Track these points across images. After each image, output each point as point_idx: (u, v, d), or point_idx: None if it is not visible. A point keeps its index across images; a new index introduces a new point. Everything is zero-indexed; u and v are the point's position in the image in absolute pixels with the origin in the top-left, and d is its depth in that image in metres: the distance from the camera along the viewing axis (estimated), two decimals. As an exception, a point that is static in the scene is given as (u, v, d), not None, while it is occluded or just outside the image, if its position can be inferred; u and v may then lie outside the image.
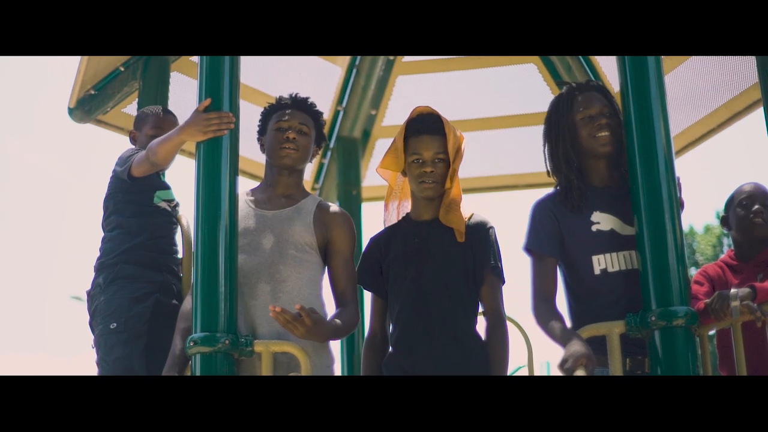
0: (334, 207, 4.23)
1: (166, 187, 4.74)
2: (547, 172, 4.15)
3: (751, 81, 5.76)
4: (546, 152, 4.14)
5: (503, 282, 4.01)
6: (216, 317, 3.63)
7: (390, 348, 4.00)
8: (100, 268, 4.53)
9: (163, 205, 4.67)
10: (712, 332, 3.75)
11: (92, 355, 4.45)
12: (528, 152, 7.30)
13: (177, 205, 4.77)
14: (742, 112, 6.14)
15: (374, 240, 4.20)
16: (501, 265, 3.99)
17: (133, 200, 4.61)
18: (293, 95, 4.25)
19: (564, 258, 3.93)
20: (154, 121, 4.85)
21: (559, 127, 4.05)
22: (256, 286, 3.95)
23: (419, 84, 7.19)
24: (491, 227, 4.05)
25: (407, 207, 4.28)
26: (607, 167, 3.99)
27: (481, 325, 3.96)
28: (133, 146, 4.82)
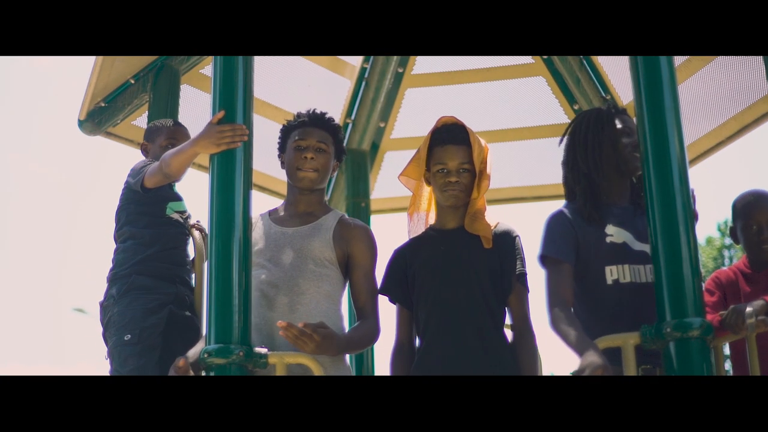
0: (354, 221, 4.25)
1: (179, 199, 4.75)
2: (565, 180, 4.18)
3: (761, 93, 5.77)
4: (568, 162, 4.18)
5: (528, 290, 4.04)
6: (230, 329, 3.62)
7: (418, 357, 4.00)
8: (113, 279, 4.53)
9: (176, 216, 4.68)
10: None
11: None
12: (537, 165, 7.32)
13: (189, 216, 4.77)
14: (751, 125, 6.15)
15: (399, 251, 4.20)
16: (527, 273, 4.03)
17: (146, 211, 4.61)
18: (311, 111, 4.23)
19: (577, 268, 3.93)
20: (168, 133, 4.86)
21: (596, 140, 4.08)
22: (275, 299, 3.97)
23: (428, 97, 7.19)
24: (517, 235, 4.09)
25: (432, 218, 4.28)
26: (629, 186, 4.07)
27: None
28: (145, 158, 4.82)
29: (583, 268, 3.92)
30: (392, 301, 4.15)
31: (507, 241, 4.04)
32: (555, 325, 3.78)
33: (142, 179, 4.52)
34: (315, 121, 4.21)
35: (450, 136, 4.07)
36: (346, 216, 4.26)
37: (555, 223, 4.00)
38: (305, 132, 4.17)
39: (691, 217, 3.61)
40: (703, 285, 3.99)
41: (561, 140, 4.29)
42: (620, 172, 4.04)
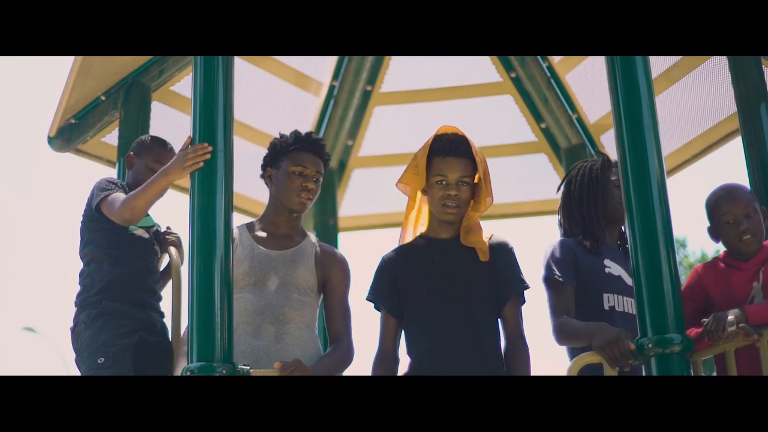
0: (332, 249, 4.34)
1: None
2: (560, 224, 4.38)
3: (728, 112, 5.85)
4: (564, 209, 4.37)
5: (525, 302, 4.05)
6: (212, 347, 3.61)
7: (412, 366, 3.96)
8: (82, 304, 4.43)
9: (140, 232, 4.55)
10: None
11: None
12: (504, 183, 7.35)
13: (158, 230, 4.67)
14: (716, 144, 6.24)
15: (388, 259, 4.12)
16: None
17: (108, 228, 4.46)
18: (310, 136, 4.26)
19: (578, 292, 4.07)
20: (159, 155, 4.64)
21: (590, 191, 4.29)
22: (261, 327, 4.02)
23: (396, 115, 7.22)
24: (512, 247, 4.07)
25: (421, 229, 4.23)
26: (618, 232, 4.32)
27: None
28: (112, 184, 4.54)
29: (582, 295, 4.07)
30: (379, 308, 4.10)
31: (503, 253, 4.02)
32: (561, 330, 3.90)
33: (99, 202, 4.41)
34: (317, 149, 4.24)
35: (452, 148, 3.97)
36: (321, 242, 4.34)
37: (560, 250, 4.14)
38: (307, 160, 4.19)
39: (671, 233, 3.64)
40: None
41: (558, 188, 4.48)
42: (611, 220, 4.25)
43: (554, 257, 4.12)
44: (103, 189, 4.47)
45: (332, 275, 4.21)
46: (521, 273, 4.04)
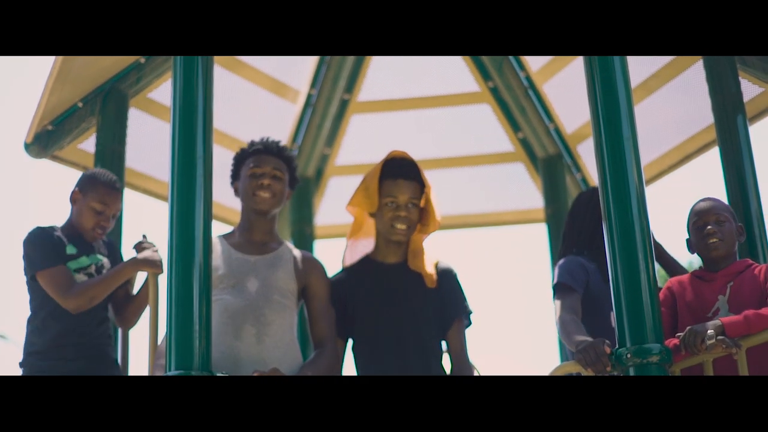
0: (310, 254, 4.39)
1: (77, 255, 4.39)
2: (567, 238, 4.45)
3: (704, 123, 5.88)
4: (566, 233, 4.46)
5: (470, 324, 4.17)
6: (191, 355, 3.59)
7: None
8: (21, 364, 4.30)
9: (80, 278, 4.33)
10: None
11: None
12: (481, 192, 7.37)
13: (101, 266, 4.45)
14: (693, 154, 6.27)
15: (337, 281, 4.23)
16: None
17: (41, 293, 4.28)
18: (265, 140, 4.30)
19: (586, 305, 4.15)
20: (104, 196, 4.44)
21: (588, 218, 4.39)
22: (242, 328, 4.01)
23: (373, 123, 7.21)
24: (456, 273, 4.23)
25: (365, 246, 4.30)
26: None
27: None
28: (47, 241, 4.35)
29: (591, 309, 4.15)
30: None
31: (449, 280, 4.19)
32: (561, 327, 3.95)
33: (35, 274, 4.25)
34: (270, 149, 4.29)
35: (402, 171, 4.15)
36: (297, 249, 4.38)
37: (570, 261, 4.25)
38: (260, 160, 4.24)
39: (650, 243, 3.65)
40: None
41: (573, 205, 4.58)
42: None
43: (566, 267, 4.22)
44: (39, 251, 4.30)
45: (312, 280, 4.24)
46: (465, 299, 4.20)
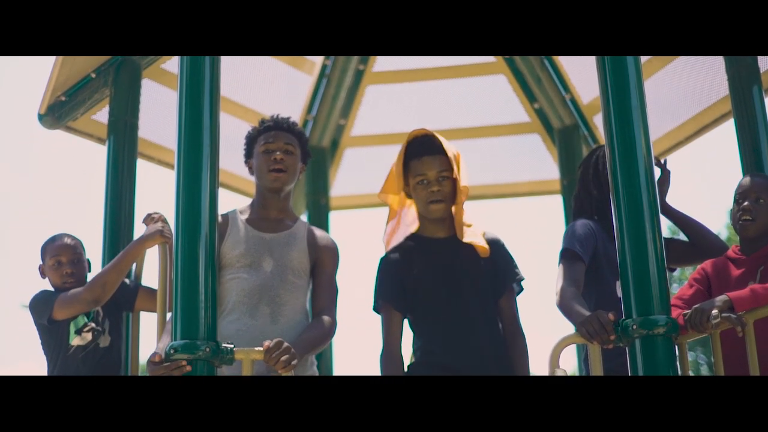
0: (323, 232, 4.45)
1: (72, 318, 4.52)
2: (576, 198, 4.47)
3: (720, 95, 5.83)
4: (581, 190, 4.46)
5: (521, 290, 4.26)
6: (196, 325, 3.60)
7: (421, 359, 4.08)
8: None
9: (77, 341, 4.46)
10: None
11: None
12: (497, 163, 7.36)
13: (100, 331, 4.53)
14: (709, 126, 6.22)
15: (392, 258, 4.26)
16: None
17: (51, 343, 4.44)
18: (276, 117, 4.37)
19: (591, 273, 4.15)
20: (52, 252, 4.65)
21: (600, 177, 4.37)
22: (257, 307, 4.11)
23: (388, 94, 7.22)
24: (504, 242, 4.29)
25: (405, 231, 4.34)
26: None
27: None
28: (48, 292, 4.58)
29: (596, 279, 4.16)
30: (379, 310, 4.21)
31: (499, 249, 4.23)
32: (561, 297, 3.94)
33: (51, 312, 4.38)
34: (280, 125, 4.35)
35: (424, 148, 4.16)
36: (312, 226, 4.44)
37: (581, 227, 4.24)
38: (271, 135, 4.31)
39: (657, 215, 3.63)
40: None
41: (579, 167, 4.56)
42: None
43: (576, 233, 4.20)
44: (44, 302, 4.48)
45: (322, 256, 4.30)
46: (517, 266, 4.25)
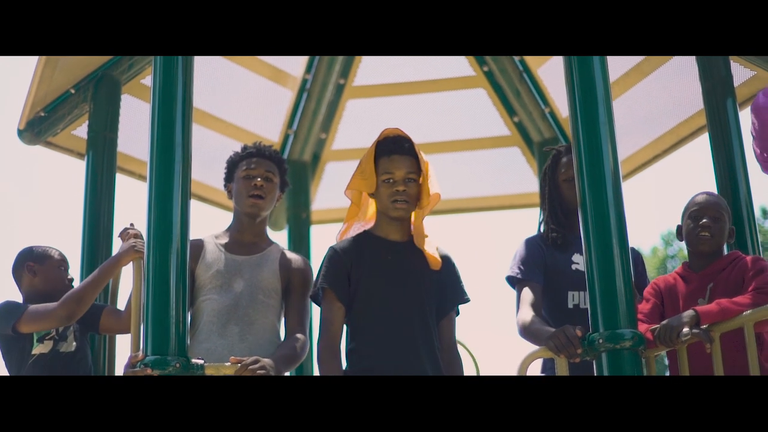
0: (297, 255, 4.51)
1: None
2: (541, 215, 4.52)
3: (696, 108, 5.87)
4: (541, 201, 4.54)
5: (459, 314, 4.19)
6: (167, 340, 3.62)
7: (358, 358, 3.97)
8: None
9: (39, 350, 4.38)
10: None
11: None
12: (476, 176, 7.38)
13: (56, 340, 4.44)
14: (687, 138, 6.26)
15: (341, 248, 4.12)
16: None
17: (14, 353, 4.37)
18: (258, 144, 4.47)
19: (544, 288, 4.21)
20: (57, 256, 4.64)
21: (549, 184, 4.47)
22: (226, 326, 4.17)
23: (369, 108, 7.23)
24: (455, 261, 4.22)
25: (363, 227, 4.27)
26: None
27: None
28: (16, 302, 4.48)
29: (548, 292, 4.21)
30: (319, 302, 4.09)
31: (450, 267, 4.16)
32: (520, 327, 4.01)
33: (16, 323, 4.30)
34: (263, 152, 4.45)
35: (396, 147, 4.10)
36: (285, 249, 4.50)
37: (526, 247, 4.32)
38: (253, 162, 4.41)
39: (624, 229, 3.66)
40: None
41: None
42: (571, 212, 4.24)
43: (518, 255, 4.29)
44: (10, 311, 4.38)
45: (295, 275, 4.37)
46: (464, 288, 4.19)
